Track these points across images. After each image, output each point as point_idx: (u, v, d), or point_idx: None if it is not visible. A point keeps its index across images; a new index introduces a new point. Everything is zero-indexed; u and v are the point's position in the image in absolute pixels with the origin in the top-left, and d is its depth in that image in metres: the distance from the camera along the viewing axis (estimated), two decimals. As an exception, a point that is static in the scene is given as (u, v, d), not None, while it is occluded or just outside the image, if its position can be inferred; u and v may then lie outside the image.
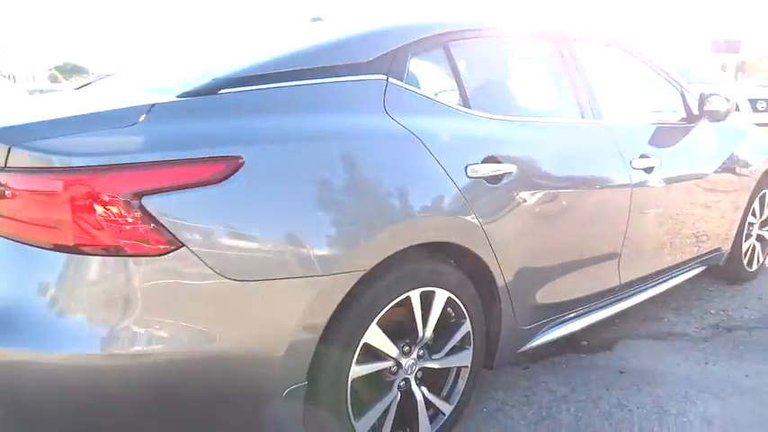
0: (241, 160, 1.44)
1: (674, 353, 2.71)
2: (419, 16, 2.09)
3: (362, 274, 1.60)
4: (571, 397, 2.33)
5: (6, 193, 1.35)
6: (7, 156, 1.32)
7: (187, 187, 1.38)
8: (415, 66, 1.94)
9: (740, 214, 3.38)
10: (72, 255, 1.32)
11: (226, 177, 1.42)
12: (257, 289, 1.45)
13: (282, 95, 1.65)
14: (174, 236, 1.35)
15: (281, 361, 1.50)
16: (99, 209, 1.31)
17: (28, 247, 1.35)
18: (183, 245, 1.36)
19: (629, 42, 2.89)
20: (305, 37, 2.02)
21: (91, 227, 1.31)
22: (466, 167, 1.86)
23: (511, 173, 1.98)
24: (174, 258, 1.35)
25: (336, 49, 1.83)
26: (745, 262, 3.59)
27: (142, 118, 1.43)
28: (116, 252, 1.32)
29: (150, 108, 1.46)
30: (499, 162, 1.95)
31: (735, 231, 3.38)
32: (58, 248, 1.33)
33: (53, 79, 43.97)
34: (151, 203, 1.33)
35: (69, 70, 57.54)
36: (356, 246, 1.59)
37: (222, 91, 1.58)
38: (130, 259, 1.33)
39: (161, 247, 1.34)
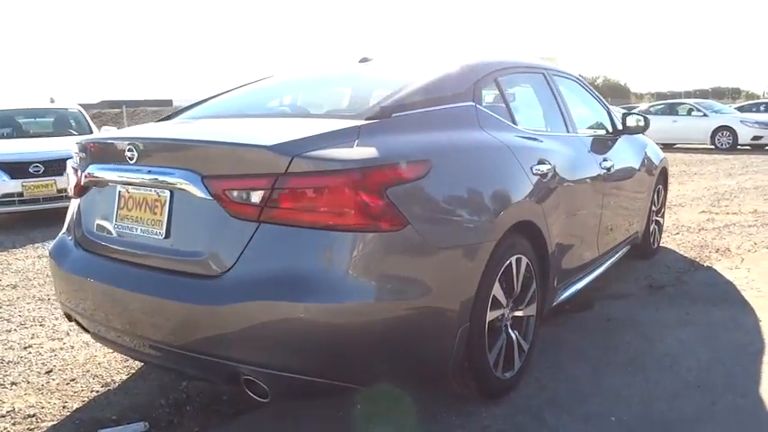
0: (431, 163, 2.02)
1: (633, 305, 3.63)
2: (479, 57, 2.79)
3: (495, 242, 2.23)
4: (583, 339, 3.11)
5: (288, 191, 1.80)
6: (289, 163, 1.79)
7: (407, 182, 1.93)
8: (485, 94, 2.63)
9: (648, 204, 4.46)
10: (342, 232, 1.81)
11: (425, 175, 1.99)
12: (450, 253, 2.03)
13: (429, 117, 2.25)
14: (405, 216, 1.89)
15: (459, 306, 2.08)
16: (364, 199, 1.81)
17: (303, 229, 1.81)
18: (409, 223, 1.90)
19: (576, 75, 3.83)
20: (406, 74, 2.61)
21: (358, 212, 1.81)
22: (531, 167, 2.57)
23: (550, 170, 2.72)
24: (404, 232, 1.89)
25: (444, 83, 2.45)
26: (651, 241, 4.69)
27: (359, 136, 1.95)
28: (374, 229, 1.84)
29: (359, 129, 1.99)
30: (545, 163, 2.69)
31: (646, 217, 4.45)
32: (331, 228, 1.81)
33: None
34: (392, 194, 1.87)
35: None
36: (493, 221, 2.22)
37: (394, 115, 2.14)
38: (383, 234, 1.85)
39: (398, 225, 1.88)
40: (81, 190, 2.40)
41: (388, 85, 2.44)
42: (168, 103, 47.52)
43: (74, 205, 2.51)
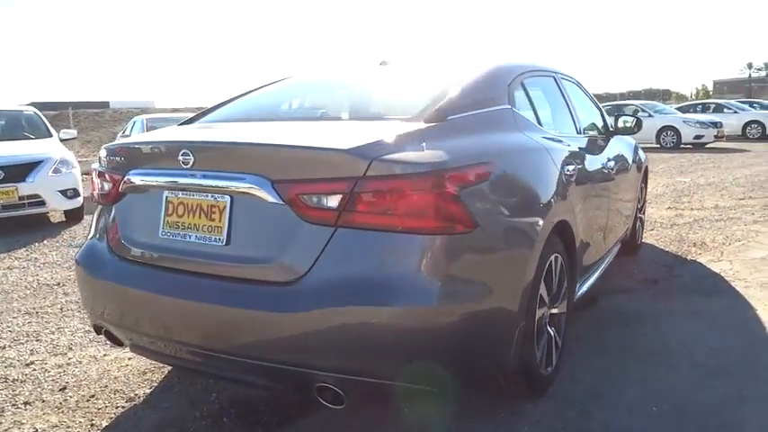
0: (493, 165, 2.04)
1: (637, 298, 3.78)
2: (503, 60, 2.83)
3: (544, 242, 2.28)
4: (600, 333, 3.22)
5: (367, 195, 1.78)
6: (368, 167, 1.77)
7: (475, 183, 1.95)
8: (516, 97, 2.68)
9: (635, 202, 4.64)
10: (421, 235, 1.80)
11: (488, 177, 2.01)
12: (510, 253, 2.06)
13: (478, 119, 2.27)
14: (474, 219, 1.90)
15: (518, 305, 2.11)
16: (442, 202, 1.81)
17: (382, 233, 1.79)
18: (478, 224, 1.92)
19: (576, 77, 3.95)
20: (441, 78, 2.62)
21: (437, 214, 1.81)
22: (563, 168, 2.63)
23: (575, 170, 2.80)
24: (475, 234, 1.91)
25: (481, 86, 2.48)
26: (636, 237, 4.88)
27: (424, 139, 1.95)
28: (450, 231, 1.84)
29: (424, 133, 1.99)
30: (571, 164, 2.77)
31: (633, 214, 4.62)
32: (410, 231, 1.79)
33: None
34: (465, 196, 1.88)
35: None
36: (543, 221, 2.27)
37: (449, 117, 2.15)
38: (458, 236, 1.86)
39: (470, 226, 1.89)
40: (116, 196, 2.29)
41: (425, 88, 2.46)
42: (105, 104, 45.68)
43: (103, 212, 2.39)
